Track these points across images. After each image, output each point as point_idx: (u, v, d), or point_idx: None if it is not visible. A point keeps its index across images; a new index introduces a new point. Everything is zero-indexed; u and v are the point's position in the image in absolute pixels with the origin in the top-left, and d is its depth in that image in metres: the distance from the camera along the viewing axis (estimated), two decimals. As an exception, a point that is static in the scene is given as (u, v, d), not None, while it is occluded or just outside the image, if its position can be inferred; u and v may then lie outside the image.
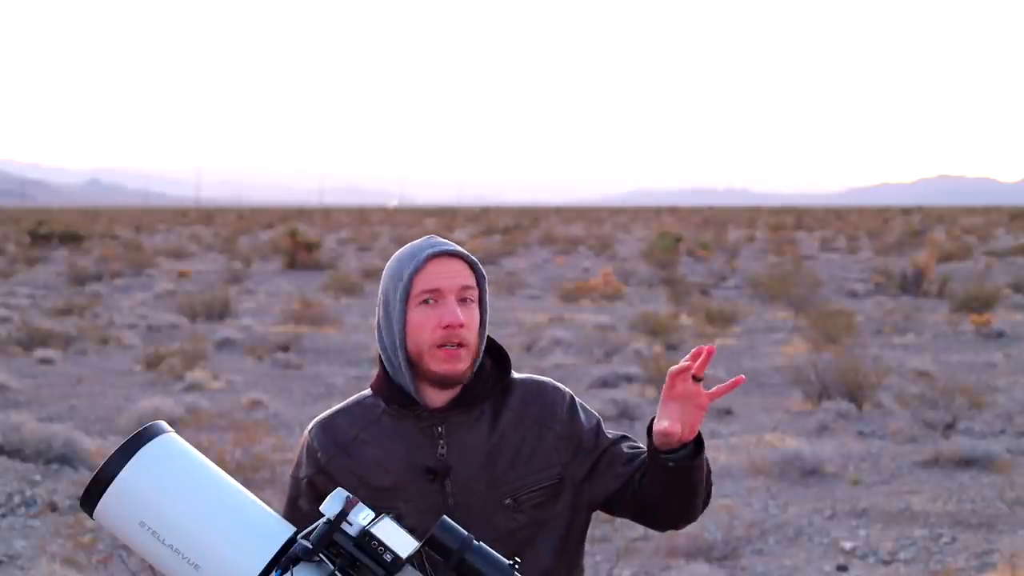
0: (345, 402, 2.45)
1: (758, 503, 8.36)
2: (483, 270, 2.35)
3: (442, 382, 2.30)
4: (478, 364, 2.35)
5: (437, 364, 2.28)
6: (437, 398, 2.33)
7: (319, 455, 2.38)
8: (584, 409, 2.44)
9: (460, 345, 2.27)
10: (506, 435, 2.34)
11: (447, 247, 2.31)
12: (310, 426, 2.44)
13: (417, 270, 2.29)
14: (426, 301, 2.28)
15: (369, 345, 16.18)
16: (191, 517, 1.93)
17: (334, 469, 2.36)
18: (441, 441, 2.32)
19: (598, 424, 2.44)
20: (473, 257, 2.33)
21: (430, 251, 2.30)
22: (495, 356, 2.41)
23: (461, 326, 2.26)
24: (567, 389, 2.44)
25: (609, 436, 2.43)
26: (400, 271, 2.32)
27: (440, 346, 2.27)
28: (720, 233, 53.45)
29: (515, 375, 2.43)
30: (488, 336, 2.39)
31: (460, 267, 2.30)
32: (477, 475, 2.31)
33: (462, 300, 2.29)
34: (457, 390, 2.33)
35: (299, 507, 2.40)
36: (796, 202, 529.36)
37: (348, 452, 2.36)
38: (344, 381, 13.59)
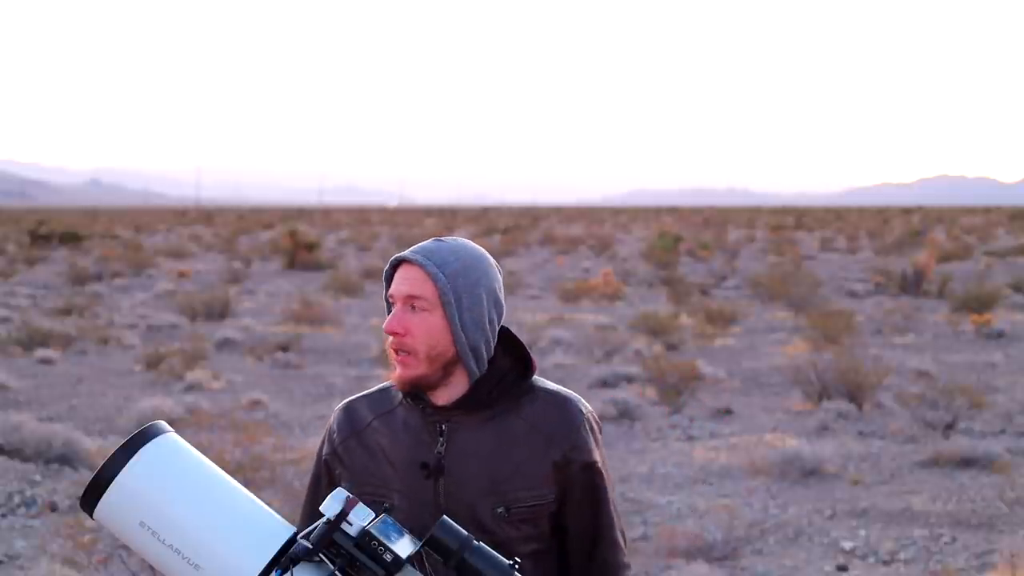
0: (376, 387, 2.49)
1: (758, 503, 8.36)
2: (448, 278, 2.29)
3: (399, 384, 2.33)
4: (477, 371, 2.32)
5: (395, 366, 2.33)
6: (442, 396, 2.33)
7: (335, 436, 2.44)
8: (595, 432, 2.41)
9: (409, 352, 2.29)
10: (513, 443, 2.33)
11: (406, 254, 2.33)
12: (338, 406, 2.50)
13: (388, 275, 2.36)
14: (393, 305, 2.34)
15: (369, 345, 16.19)
16: (191, 517, 1.93)
17: (345, 452, 2.41)
18: (441, 439, 2.33)
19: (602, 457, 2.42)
20: (433, 267, 2.28)
21: (395, 257, 2.35)
22: (522, 363, 2.39)
23: (395, 334, 2.29)
24: (588, 409, 2.41)
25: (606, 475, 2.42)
26: (384, 275, 2.40)
27: (393, 350, 2.32)
28: (720, 233, 53.45)
29: (544, 385, 2.41)
30: (520, 342, 2.39)
31: (414, 275, 2.30)
32: (473, 478, 2.30)
33: (413, 308, 2.30)
34: (465, 389, 2.33)
35: (320, 485, 2.45)
36: (796, 202, 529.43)
37: (360, 436, 2.41)
38: (344, 381, 13.59)
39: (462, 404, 2.33)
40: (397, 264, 2.34)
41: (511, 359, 2.38)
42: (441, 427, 2.33)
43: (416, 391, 2.33)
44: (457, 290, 2.30)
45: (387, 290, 2.36)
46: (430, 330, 2.29)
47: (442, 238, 2.37)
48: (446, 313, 2.30)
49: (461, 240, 2.38)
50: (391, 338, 2.31)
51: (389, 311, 2.36)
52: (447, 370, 2.32)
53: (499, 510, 2.30)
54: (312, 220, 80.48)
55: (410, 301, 2.30)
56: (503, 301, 2.39)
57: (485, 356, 2.34)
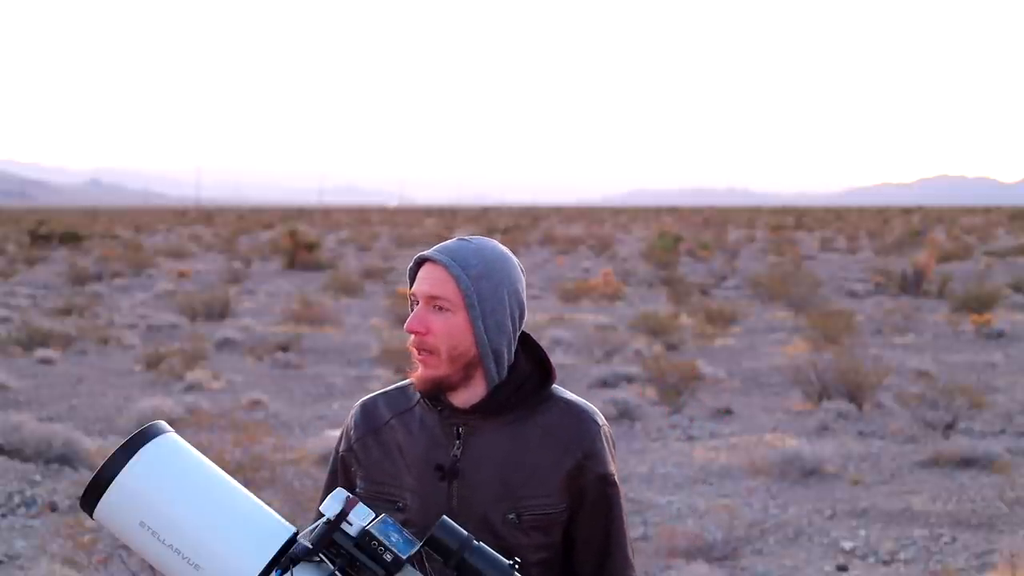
0: (395, 385, 2.48)
1: (758, 503, 8.36)
2: (471, 280, 2.27)
3: (419, 383, 2.32)
4: (496, 374, 2.31)
5: (416, 365, 2.32)
6: (460, 398, 2.32)
7: (352, 433, 2.43)
8: (610, 446, 2.40)
9: (429, 351, 2.28)
10: (528, 451, 2.32)
11: (430, 253, 2.31)
12: (356, 403, 2.49)
13: (412, 272, 2.34)
14: (416, 303, 2.32)
15: (369, 345, 16.18)
16: (191, 517, 1.92)
17: (360, 449, 2.40)
18: (458, 442, 2.32)
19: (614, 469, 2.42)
20: (457, 267, 2.27)
21: (419, 256, 2.33)
22: (542, 369, 2.39)
23: (418, 333, 2.28)
24: (605, 422, 2.41)
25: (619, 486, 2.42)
26: (408, 272, 2.38)
27: (415, 349, 2.30)
28: (720, 233, 53.45)
29: (563, 394, 2.40)
30: (540, 348, 2.39)
31: (437, 274, 2.28)
32: (487, 483, 2.29)
33: (435, 307, 2.28)
34: (484, 392, 2.32)
35: (336, 482, 2.45)
36: (796, 202, 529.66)
37: (377, 435, 2.39)
38: (344, 381, 13.59)
39: (480, 408, 2.31)
40: (421, 262, 2.32)
41: (532, 365, 2.38)
42: (458, 430, 2.32)
43: (436, 391, 2.31)
44: (481, 292, 2.28)
45: (411, 287, 2.35)
46: (451, 330, 2.28)
47: (466, 237, 2.35)
48: (469, 315, 2.28)
49: (486, 240, 2.36)
50: (412, 337, 2.29)
51: (412, 309, 2.35)
52: (468, 371, 2.30)
53: (511, 516, 2.28)
54: (312, 220, 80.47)
55: (432, 301, 2.28)
56: (525, 303, 2.38)
57: (506, 359, 2.33)
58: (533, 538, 2.30)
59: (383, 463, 2.36)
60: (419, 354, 2.29)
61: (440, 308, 2.28)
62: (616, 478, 2.37)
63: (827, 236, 50.15)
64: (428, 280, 2.29)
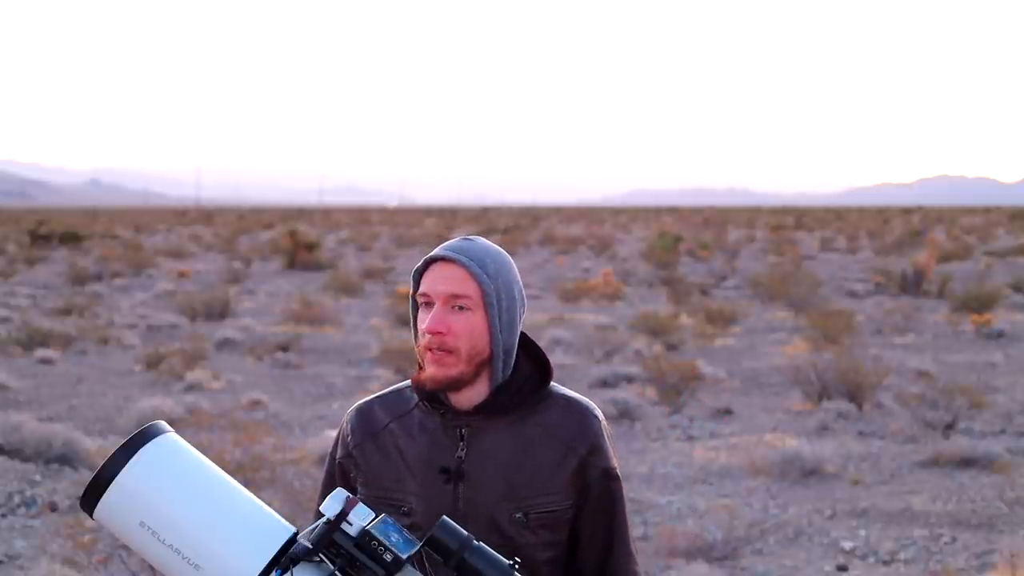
0: (388, 388, 2.47)
1: (758, 503, 8.36)
2: (490, 279, 2.28)
3: (430, 383, 2.30)
4: (501, 374, 2.31)
5: (428, 366, 2.29)
6: (462, 399, 2.31)
7: (349, 439, 2.41)
8: (610, 440, 2.41)
9: (448, 351, 2.26)
10: (531, 450, 2.32)
11: (445, 252, 2.29)
12: (351, 409, 2.47)
13: (421, 274, 2.31)
14: (427, 304, 2.29)
15: (369, 345, 16.18)
16: (191, 517, 1.92)
17: (359, 455, 2.38)
18: (462, 443, 2.31)
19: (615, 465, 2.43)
20: (476, 266, 2.27)
21: (431, 255, 2.31)
22: (540, 368, 2.39)
23: (439, 333, 2.25)
24: (603, 417, 2.42)
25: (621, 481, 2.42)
26: (413, 272, 2.36)
27: (430, 349, 2.27)
28: (720, 233, 53.46)
29: (561, 390, 2.40)
30: (537, 346, 2.39)
31: (456, 273, 2.26)
32: (492, 484, 2.29)
33: (454, 307, 2.27)
34: (485, 394, 2.31)
35: (333, 483, 2.43)
36: (796, 202, 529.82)
37: (376, 440, 2.38)
38: (344, 381, 13.59)
39: (484, 409, 2.31)
40: (431, 262, 2.30)
41: (532, 364, 2.37)
42: (461, 431, 2.31)
43: (442, 392, 2.29)
44: (498, 290, 2.28)
45: (415, 289, 2.32)
46: (471, 330, 2.27)
47: (469, 237, 2.35)
48: (488, 313, 2.28)
49: (484, 239, 2.36)
50: (428, 337, 2.26)
51: (414, 310, 2.33)
52: (479, 371, 2.30)
53: (518, 515, 2.28)
54: (312, 220, 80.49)
55: (453, 300, 2.26)
56: (526, 302, 2.39)
57: (512, 359, 2.33)
58: (541, 536, 2.30)
59: (384, 467, 2.35)
60: (434, 354, 2.26)
61: (460, 308, 2.27)
62: (618, 472, 2.38)
63: (827, 236, 50.16)
64: (446, 279, 2.27)
